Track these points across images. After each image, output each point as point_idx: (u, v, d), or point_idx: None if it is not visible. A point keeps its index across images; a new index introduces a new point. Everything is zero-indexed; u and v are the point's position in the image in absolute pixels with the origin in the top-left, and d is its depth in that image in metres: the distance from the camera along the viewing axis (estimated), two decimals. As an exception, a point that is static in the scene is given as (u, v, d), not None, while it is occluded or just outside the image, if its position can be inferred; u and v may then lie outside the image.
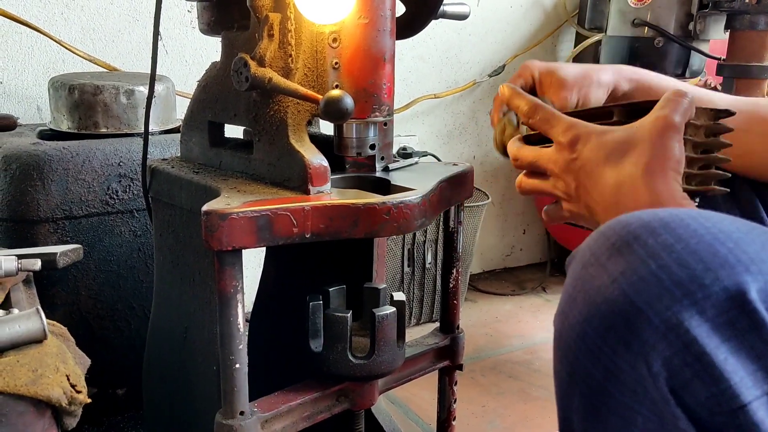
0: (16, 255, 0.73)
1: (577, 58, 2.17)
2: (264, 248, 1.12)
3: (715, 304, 0.38)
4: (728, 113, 0.59)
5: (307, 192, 0.80)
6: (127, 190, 1.20)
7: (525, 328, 1.85)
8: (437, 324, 1.04)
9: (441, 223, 1.56)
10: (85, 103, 1.23)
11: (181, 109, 1.00)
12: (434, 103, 2.05)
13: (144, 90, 1.26)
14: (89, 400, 0.60)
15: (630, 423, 0.41)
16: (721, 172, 0.60)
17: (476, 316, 1.91)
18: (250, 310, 1.12)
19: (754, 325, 0.37)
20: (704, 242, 0.39)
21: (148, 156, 1.02)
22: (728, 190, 0.61)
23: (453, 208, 0.97)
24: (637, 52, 1.64)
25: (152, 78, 0.98)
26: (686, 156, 0.58)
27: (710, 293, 0.38)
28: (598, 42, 2.05)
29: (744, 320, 0.38)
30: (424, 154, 1.81)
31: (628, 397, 0.41)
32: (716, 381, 0.38)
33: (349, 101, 0.76)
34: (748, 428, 0.37)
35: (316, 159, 0.80)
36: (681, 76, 1.63)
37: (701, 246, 0.39)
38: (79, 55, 1.48)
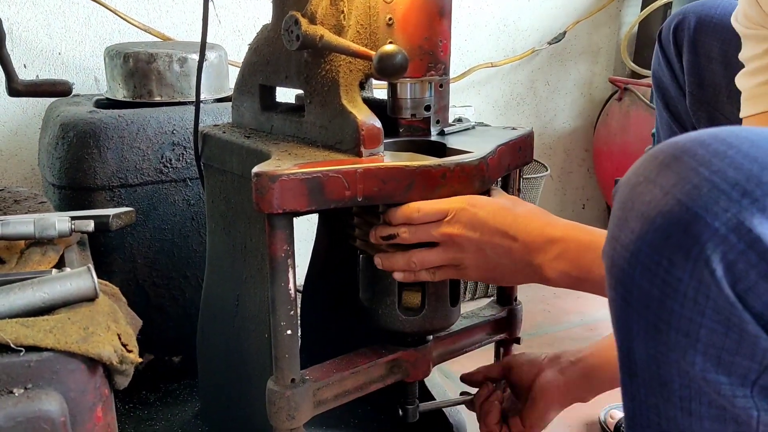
0: (70, 216, 0.73)
1: (644, 23, 2.06)
2: (315, 224, 1.11)
3: None
4: None
5: (359, 155, 0.77)
6: (181, 158, 1.20)
7: (584, 304, 1.79)
8: (493, 299, 1.01)
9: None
10: (140, 72, 1.23)
11: (234, 78, 0.98)
12: (491, 73, 1.99)
13: (197, 57, 1.25)
14: (140, 360, 0.59)
15: (693, 338, 0.39)
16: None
17: (534, 292, 1.86)
18: (302, 283, 1.11)
19: None
20: (757, 145, 0.38)
21: (200, 124, 1.01)
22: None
23: (512, 174, 0.92)
24: (712, 12, 1.53)
25: (203, 43, 0.96)
26: None
27: None
28: (667, 5, 1.94)
29: None
30: (481, 125, 1.75)
31: (690, 309, 0.39)
32: None
33: (403, 56, 0.72)
34: None
35: (369, 120, 0.77)
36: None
37: (754, 148, 0.38)
38: (135, 25, 1.48)
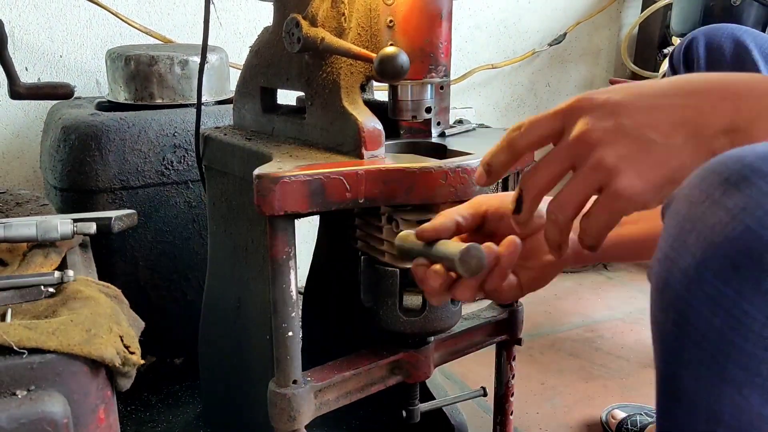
0: (72, 219, 0.73)
1: (644, 25, 2.06)
2: (317, 226, 1.11)
3: None
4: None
5: (360, 156, 0.77)
6: (182, 160, 1.20)
7: (586, 305, 1.79)
8: (494, 298, 1.01)
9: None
10: (141, 74, 1.24)
11: (235, 80, 0.99)
12: (491, 74, 1.99)
13: (198, 60, 1.25)
14: (143, 362, 0.59)
15: (753, 372, 0.37)
16: None
17: (535, 293, 1.86)
18: (304, 284, 1.11)
19: None
20: None
21: (201, 126, 1.02)
22: None
23: (512, 175, 0.92)
24: (712, 13, 1.53)
25: (204, 46, 0.97)
26: None
27: None
28: (668, 6, 1.94)
29: None
30: (481, 127, 1.76)
31: (755, 345, 0.37)
32: None
33: (404, 58, 0.73)
34: None
35: (369, 122, 0.77)
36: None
37: None
38: (136, 28, 1.49)
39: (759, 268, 0.36)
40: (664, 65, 1.84)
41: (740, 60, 0.92)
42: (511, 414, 1.04)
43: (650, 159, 0.47)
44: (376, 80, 0.82)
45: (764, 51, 0.93)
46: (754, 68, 0.92)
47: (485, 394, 0.95)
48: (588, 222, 0.50)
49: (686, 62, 1.03)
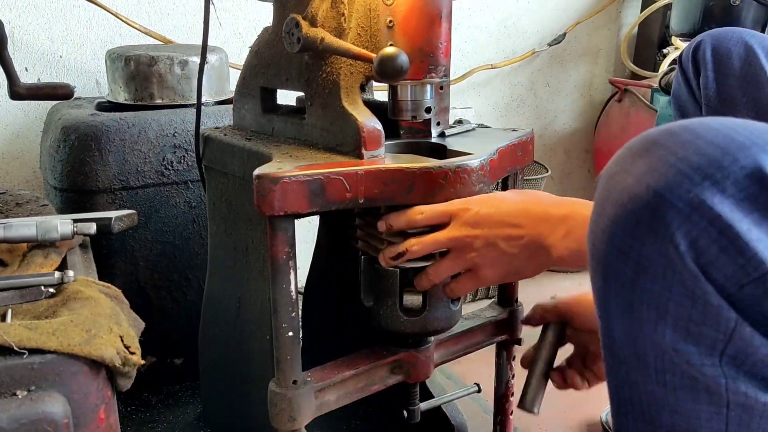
0: (72, 219, 0.73)
1: (644, 25, 2.06)
2: (317, 226, 1.11)
3: (735, 182, 0.40)
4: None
5: (360, 156, 0.77)
6: (182, 161, 1.20)
7: (585, 306, 1.79)
8: (494, 300, 1.01)
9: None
10: (141, 74, 1.24)
11: (235, 80, 0.99)
12: (491, 74, 1.99)
13: (198, 60, 1.25)
14: (143, 362, 0.59)
15: (663, 311, 0.42)
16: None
17: (534, 293, 1.85)
18: (304, 284, 1.11)
19: None
20: (721, 134, 0.41)
21: (201, 126, 1.02)
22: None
23: (512, 175, 0.92)
24: (711, 13, 1.53)
25: (204, 46, 0.97)
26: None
27: (729, 173, 0.40)
28: (667, 6, 1.94)
29: (764, 194, 0.39)
30: (481, 127, 1.75)
31: (659, 285, 0.42)
32: (742, 251, 0.39)
33: (404, 58, 0.73)
34: None
35: (369, 122, 0.77)
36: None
37: (718, 137, 0.41)
38: (136, 28, 1.49)
39: (654, 217, 0.41)
40: (664, 65, 1.85)
41: (748, 65, 0.95)
42: (511, 414, 1.04)
43: (500, 261, 0.72)
44: (376, 80, 0.82)
45: None
46: (762, 73, 0.94)
47: (479, 390, 0.96)
48: (456, 287, 0.78)
49: (695, 66, 1.04)
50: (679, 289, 0.41)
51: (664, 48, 2.00)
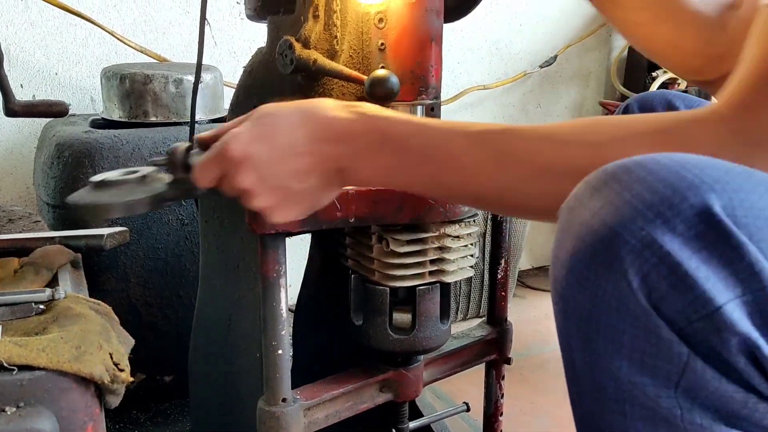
0: (64, 236, 0.74)
1: (633, 48, 2.09)
2: (308, 243, 1.11)
3: (685, 221, 0.41)
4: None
5: (351, 176, 0.78)
6: (175, 178, 1.21)
7: (576, 325, 1.80)
8: (483, 319, 1.01)
9: (489, 214, 1.52)
10: (136, 92, 1.25)
11: (229, 99, 1.00)
12: (483, 95, 2.01)
13: (192, 79, 1.27)
14: (132, 379, 0.60)
15: (618, 344, 0.43)
16: None
17: (525, 313, 1.87)
18: (294, 302, 1.11)
19: (721, 236, 0.41)
20: (672, 171, 0.43)
21: (195, 143, 1.02)
22: None
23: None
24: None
25: (198, 66, 0.98)
26: None
27: (679, 211, 0.41)
28: (656, 30, 1.97)
29: (712, 232, 0.41)
30: (473, 147, 1.77)
31: (614, 318, 0.43)
32: (691, 288, 0.41)
33: (395, 80, 0.74)
34: (724, 328, 0.40)
35: (361, 142, 0.78)
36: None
37: (670, 174, 0.43)
38: (132, 47, 1.50)
39: (610, 253, 0.43)
40: (653, 88, 1.87)
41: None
42: (500, 433, 1.04)
43: (292, 201, 0.62)
44: (367, 101, 0.83)
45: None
46: None
47: (468, 410, 0.96)
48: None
49: None
50: (632, 322, 0.43)
51: (653, 71, 2.03)
